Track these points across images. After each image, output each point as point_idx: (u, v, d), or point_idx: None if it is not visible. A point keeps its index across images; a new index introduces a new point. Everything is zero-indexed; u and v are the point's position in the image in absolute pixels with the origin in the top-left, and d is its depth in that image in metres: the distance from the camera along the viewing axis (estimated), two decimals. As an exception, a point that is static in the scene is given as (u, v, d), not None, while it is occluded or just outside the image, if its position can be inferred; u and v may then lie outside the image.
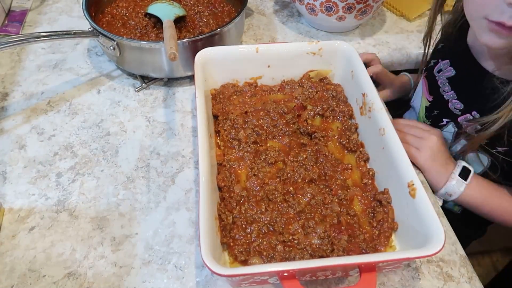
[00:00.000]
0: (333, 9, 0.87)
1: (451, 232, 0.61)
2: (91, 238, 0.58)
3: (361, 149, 0.64)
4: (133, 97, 0.79)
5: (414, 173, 0.53)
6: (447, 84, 0.74)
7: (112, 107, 0.77)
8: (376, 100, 0.62)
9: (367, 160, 0.64)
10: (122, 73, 0.84)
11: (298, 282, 0.45)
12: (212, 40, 0.76)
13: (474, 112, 0.68)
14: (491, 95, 0.63)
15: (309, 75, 0.74)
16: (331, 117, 0.68)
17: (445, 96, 0.74)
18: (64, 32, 0.72)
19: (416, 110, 0.85)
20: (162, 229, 0.59)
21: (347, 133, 0.66)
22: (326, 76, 0.74)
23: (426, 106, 0.80)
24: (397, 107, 0.92)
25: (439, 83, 0.76)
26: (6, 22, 0.93)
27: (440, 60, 0.78)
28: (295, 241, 0.53)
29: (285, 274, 0.45)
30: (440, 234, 0.46)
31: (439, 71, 0.77)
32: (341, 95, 0.71)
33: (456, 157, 0.72)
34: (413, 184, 0.52)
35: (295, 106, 0.69)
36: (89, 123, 0.73)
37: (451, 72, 0.74)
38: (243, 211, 0.55)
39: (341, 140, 0.65)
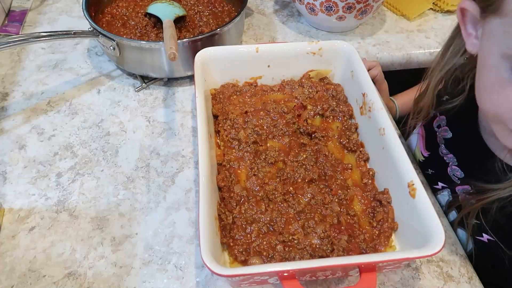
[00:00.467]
0: (333, 8, 0.87)
1: (451, 232, 0.61)
2: (91, 238, 0.58)
3: (361, 149, 0.64)
4: (133, 97, 0.79)
5: (414, 173, 0.53)
6: (443, 145, 0.65)
7: (112, 107, 0.77)
8: (376, 100, 0.62)
9: (367, 160, 0.63)
10: (122, 73, 0.84)
11: (298, 282, 0.45)
12: (212, 40, 0.76)
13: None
14: (494, 175, 0.55)
15: (309, 75, 0.74)
16: (331, 117, 0.68)
17: (445, 159, 0.65)
18: (64, 32, 0.72)
19: None
20: (162, 229, 0.59)
21: (347, 133, 0.66)
22: (326, 76, 0.74)
23: (419, 160, 0.71)
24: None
25: (438, 141, 0.67)
26: (6, 22, 0.93)
27: (438, 114, 0.68)
28: (295, 241, 0.53)
29: (285, 274, 0.45)
30: (440, 234, 0.46)
31: (438, 126, 0.67)
32: (341, 95, 0.71)
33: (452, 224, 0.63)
34: (413, 184, 0.52)
35: (295, 106, 0.69)
36: (89, 123, 0.73)
37: (447, 133, 0.65)
38: (243, 211, 0.55)
39: (341, 140, 0.65)
